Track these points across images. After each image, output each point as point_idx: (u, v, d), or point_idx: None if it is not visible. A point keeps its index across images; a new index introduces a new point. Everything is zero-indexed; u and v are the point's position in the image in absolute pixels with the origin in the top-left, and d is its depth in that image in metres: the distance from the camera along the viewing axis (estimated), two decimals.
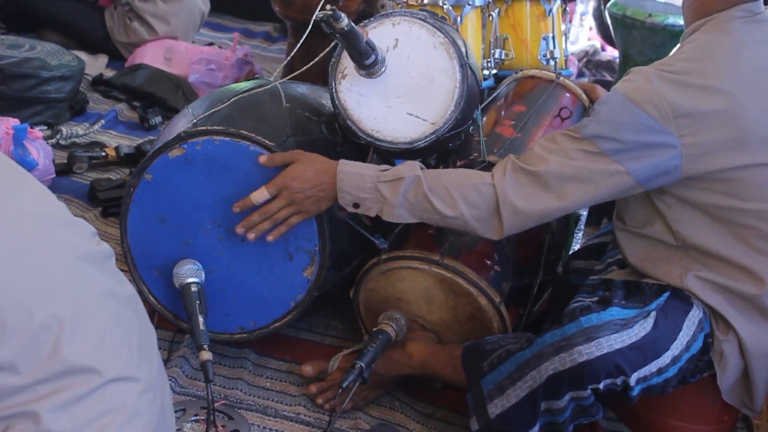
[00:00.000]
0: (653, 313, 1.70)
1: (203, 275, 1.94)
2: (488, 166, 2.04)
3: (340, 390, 1.79)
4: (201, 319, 1.84)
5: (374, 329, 1.92)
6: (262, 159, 1.85)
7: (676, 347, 1.70)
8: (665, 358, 1.68)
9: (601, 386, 1.62)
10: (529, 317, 2.03)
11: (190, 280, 1.91)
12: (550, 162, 1.69)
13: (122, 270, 1.52)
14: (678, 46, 1.84)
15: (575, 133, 1.70)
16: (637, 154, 1.65)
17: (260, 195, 1.83)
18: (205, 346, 1.79)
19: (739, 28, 1.71)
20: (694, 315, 1.75)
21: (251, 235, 1.85)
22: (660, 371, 1.68)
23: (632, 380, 1.63)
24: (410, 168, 1.77)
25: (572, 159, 1.68)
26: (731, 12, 1.72)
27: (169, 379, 1.93)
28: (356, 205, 1.80)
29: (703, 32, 1.75)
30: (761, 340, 1.75)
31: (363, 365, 1.80)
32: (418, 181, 1.75)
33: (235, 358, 2.12)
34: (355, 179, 1.78)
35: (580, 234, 2.61)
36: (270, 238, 1.85)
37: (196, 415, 1.91)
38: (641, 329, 1.66)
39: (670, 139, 1.63)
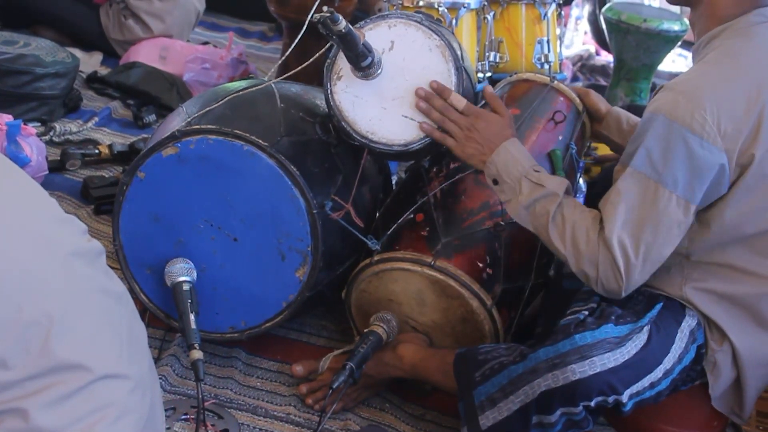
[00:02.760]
0: (646, 328, 1.70)
1: (195, 274, 1.93)
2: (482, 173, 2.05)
3: (331, 390, 1.79)
4: (192, 318, 1.84)
5: (365, 330, 1.91)
6: (488, 89, 1.90)
7: (669, 360, 1.70)
8: (657, 373, 1.69)
9: (592, 404, 1.63)
10: (520, 320, 2.04)
11: (182, 278, 1.90)
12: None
13: (113, 268, 1.52)
14: (692, 55, 1.81)
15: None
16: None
17: (459, 100, 1.83)
18: (196, 345, 1.79)
19: (760, 33, 1.69)
20: (687, 325, 1.74)
21: (435, 115, 1.82)
22: (652, 385, 1.69)
23: (624, 397, 1.63)
24: (558, 183, 1.74)
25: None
26: (749, 17, 1.70)
27: (160, 378, 1.92)
28: (495, 182, 1.79)
29: (724, 38, 1.71)
30: (756, 349, 1.75)
31: (353, 366, 1.80)
32: (553, 198, 1.71)
33: (225, 357, 2.12)
34: (509, 160, 1.77)
35: None
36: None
37: (186, 414, 1.90)
38: (634, 346, 1.66)
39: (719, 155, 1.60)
